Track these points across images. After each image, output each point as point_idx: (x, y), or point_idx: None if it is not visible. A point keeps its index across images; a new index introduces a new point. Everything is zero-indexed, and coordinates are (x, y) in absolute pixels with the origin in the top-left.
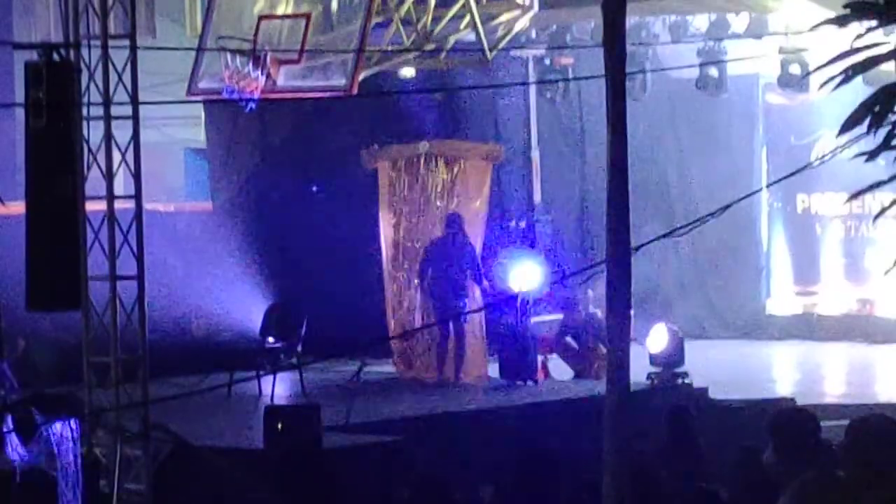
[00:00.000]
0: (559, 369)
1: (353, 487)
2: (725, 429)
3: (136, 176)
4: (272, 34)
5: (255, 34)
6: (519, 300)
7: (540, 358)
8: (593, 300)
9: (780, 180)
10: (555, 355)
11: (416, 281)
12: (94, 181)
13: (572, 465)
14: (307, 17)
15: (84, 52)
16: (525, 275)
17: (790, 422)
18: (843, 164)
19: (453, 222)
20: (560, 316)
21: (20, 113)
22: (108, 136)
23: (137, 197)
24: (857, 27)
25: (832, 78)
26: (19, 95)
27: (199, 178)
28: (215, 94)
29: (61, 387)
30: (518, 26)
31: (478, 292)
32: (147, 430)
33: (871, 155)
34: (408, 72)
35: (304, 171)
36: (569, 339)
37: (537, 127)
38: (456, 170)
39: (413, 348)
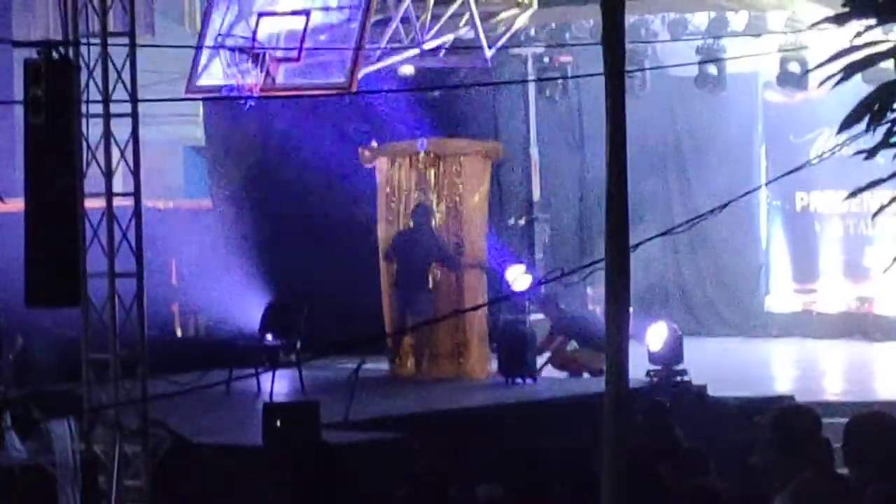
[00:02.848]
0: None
1: (353, 484)
2: (724, 426)
3: (136, 173)
4: (271, 32)
5: (255, 32)
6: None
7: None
8: (592, 298)
9: (779, 178)
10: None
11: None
12: (93, 178)
13: (571, 463)
14: (306, 14)
15: (83, 49)
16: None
17: (791, 419)
18: (843, 162)
19: (420, 214)
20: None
21: (19, 110)
22: (108, 134)
23: (136, 194)
24: (856, 25)
25: (831, 76)
26: (18, 93)
27: (198, 175)
28: (214, 92)
29: (60, 384)
30: (517, 24)
31: (480, 285)
32: (146, 427)
33: (871, 153)
34: (407, 70)
35: (303, 168)
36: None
37: (536, 125)
38: (455, 168)
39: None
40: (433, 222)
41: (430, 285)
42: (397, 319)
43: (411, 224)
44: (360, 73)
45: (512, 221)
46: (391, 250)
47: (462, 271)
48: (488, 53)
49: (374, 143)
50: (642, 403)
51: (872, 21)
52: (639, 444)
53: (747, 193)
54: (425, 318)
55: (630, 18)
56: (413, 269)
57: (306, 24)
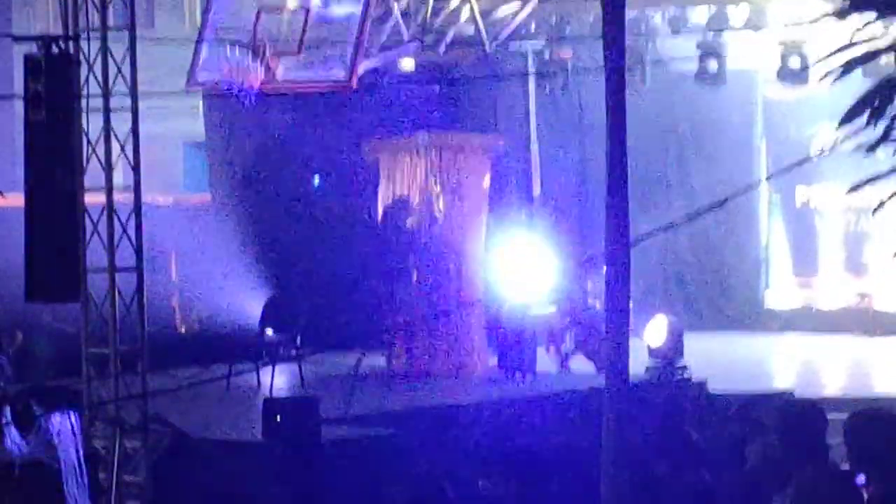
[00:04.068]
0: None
1: (352, 479)
2: (724, 421)
3: (135, 168)
4: (271, 26)
5: (255, 26)
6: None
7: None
8: (592, 293)
9: (779, 173)
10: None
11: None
12: (93, 173)
13: (571, 458)
14: (307, 9)
15: (83, 44)
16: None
17: (798, 417)
18: (843, 157)
19: (397, 209)
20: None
21: (20, 105)
22: (108, 129)
23: (136, 189)
24: (856, 20)
25: (832, 71)
26: (18, 87)
27: (197, 170)
28: (214, 87)
29: (60, 378)
30: (517, 19)
31: (478, 280)
32: (146, 422)
33: (871, 148)
34: (407, 64)
35: (303, 163)
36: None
37: (536, 119)
38: (455, 162)
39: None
40: (409, 219)
41: (412, 279)
42: (383, 314)
43: (388, 219)
44: (361, 68)
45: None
46: (387, 248)
47: (454, 260)
48: (489, 48)
49: (377, 138)
50: (656, 398)
51: (873, 16)
52: (651, 442)
53: (747, 188)
54: (410, 311)
55: (630, 13)
56: (393, 264)
57: (307, 18)
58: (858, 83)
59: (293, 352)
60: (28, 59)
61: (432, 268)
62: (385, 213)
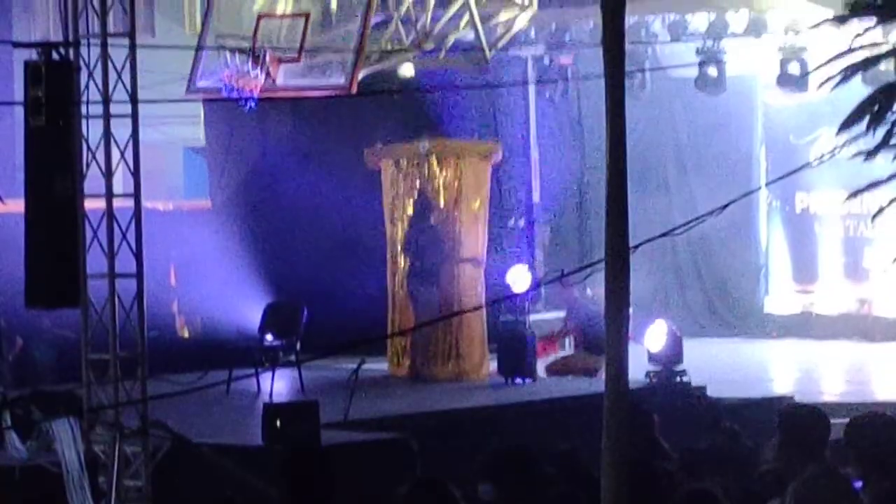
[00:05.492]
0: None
1: (352, 484)
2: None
3: (136, 174)
4: (271, 33)
5: (255, 33)
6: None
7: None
8: (592, 299)
9: (778, 179)
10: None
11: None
12: (93, 179)
13: (571, 464)
14: (306, 15)
15: (83, 50)
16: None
17: (801, 420)
18: (842, 163)
19: (423, 210)
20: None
21: (20, 111)
22: (108, 135)
23: (136, 195)
24: (855, 26)
25: (831, 77)
26: (19, 94)
27: (197, 176)
28: (215, 93)
29: (60, 384)
30: (517, 26)
31: (478, 284)
32: (146, 428)
33: (870, 154)
34: (407, 71)
35: (302, 169)
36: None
37: (536, 126)
38: (455, 169)
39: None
40: (433, 218)
41: (437, 284)
42: (402, 318)
43: (416, 221)
44: (361, 74)
45: (512, 223)
46: (407, 247)
47: (455, 265)
48: (488, 55)
49: (379, 145)
50: (656, 404)
51: (872, 22)
52: (652, 447)
53: (747, 194)
54: (427, 317)
55: (630, 19)
56: (421, 267)
57: (306, 25)
58: (858, 89)
59: (293, 357)
60: (28, 65)
61: (433, 272)
62: (415, 213)
